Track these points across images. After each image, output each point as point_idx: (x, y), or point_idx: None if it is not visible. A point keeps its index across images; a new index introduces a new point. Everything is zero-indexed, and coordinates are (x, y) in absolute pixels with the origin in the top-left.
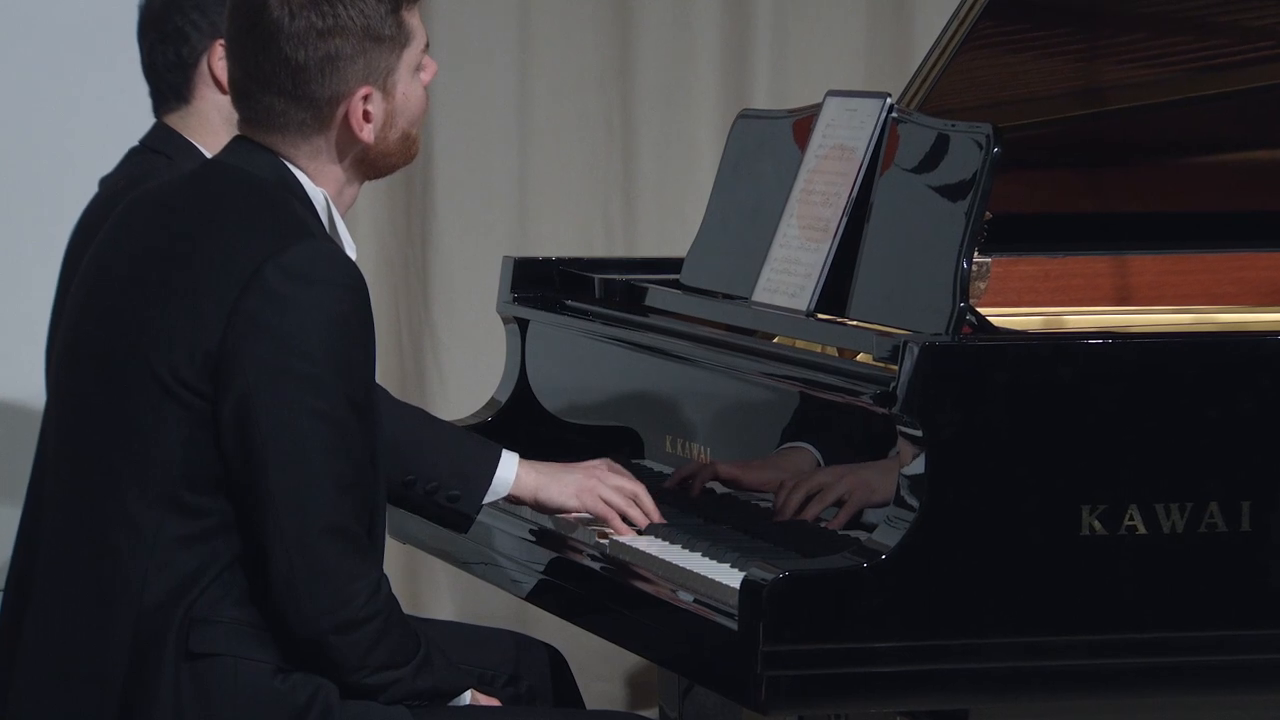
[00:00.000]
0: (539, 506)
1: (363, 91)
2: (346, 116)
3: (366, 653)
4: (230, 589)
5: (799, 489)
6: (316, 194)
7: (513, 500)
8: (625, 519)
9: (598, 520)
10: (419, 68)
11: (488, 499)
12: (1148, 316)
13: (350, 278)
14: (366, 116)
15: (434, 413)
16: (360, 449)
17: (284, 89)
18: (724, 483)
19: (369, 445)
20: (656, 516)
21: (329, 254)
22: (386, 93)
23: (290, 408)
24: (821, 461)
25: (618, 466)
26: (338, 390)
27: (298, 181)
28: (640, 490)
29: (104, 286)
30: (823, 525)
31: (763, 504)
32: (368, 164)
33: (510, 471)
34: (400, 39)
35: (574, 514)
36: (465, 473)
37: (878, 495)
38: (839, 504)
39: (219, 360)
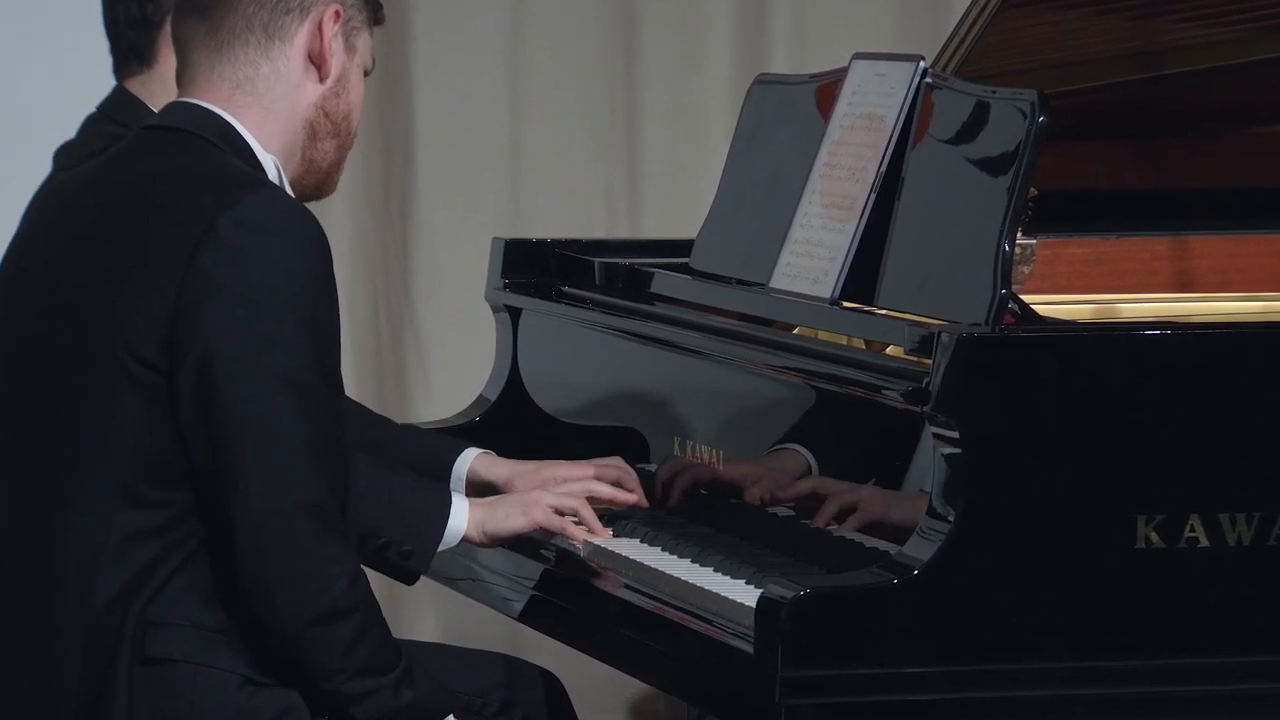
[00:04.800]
0: (492, 542)
1: (334, 8)
2: (317, 31)
3: (347, 651)
4: (194, 585)
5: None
6: (266, 159)
7: (470, 542)
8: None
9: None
10: (364, 73)
11: (441, 548)
12: (1211, 305)
13: (313, 230)
14: (329, 50)
15: (416, 414)
16: (332, 419)
17: None
18: (706, 486)
19: (339, 416)
20: (627, 499)
21: (287, 203)
22: (349, 42)
23: (254, 372)
24: (814, 466)
25: (612, 463)
26: (306, 352)
27: (246, 143)
28: (592, 484)
29: (36, 269)
30: (832, 531)
31: (780, 513)
32: (312, 135)
33: (461, 520)
34: (368, 21)
35: (530, 534)
36: (416, 527)
37: (894, 514)
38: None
39: (173, 325)
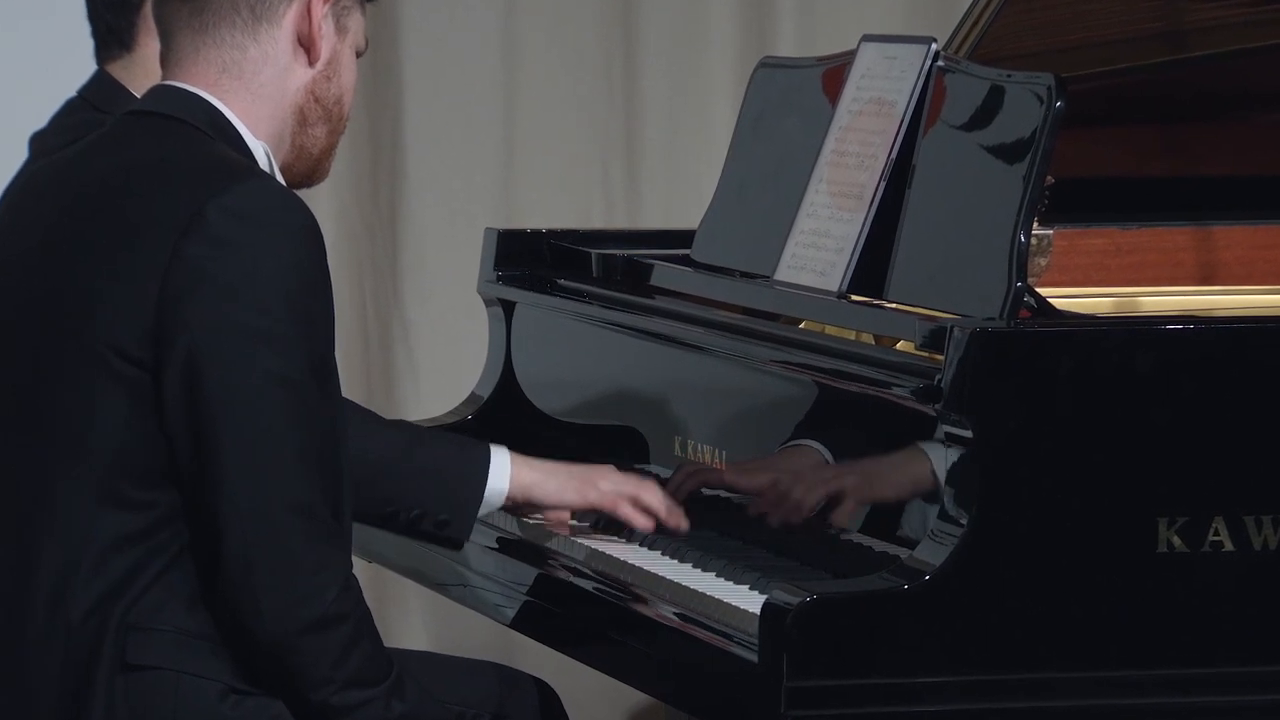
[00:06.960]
0: (531, 505)
1: None
2: (306, 12)
3: (337, 662)
4: (178, 590)
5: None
6: (256, 146)
7: (509, 503)
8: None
9: (607, 521)
10: (356, 54)
11: (483, 512)
12: (1236, 297)
13: (307, 220)
14: (319, 32)
15: (405, 412)
16: (326, 417)
17: None
18: (713, 488)
19: (334, 416)
20: (675, 508)
21: (280, 193)
22: (340, 23)
23: (243, 368)
24: (830, 462)
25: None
26: (298, 349)
27: (235, 130)
28: (650, 484)
29: (10, 261)
30: (831, 529)
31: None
32: (302, 121)
33: (503, 480)
34: (360, 0)
35: (572, 512)
36: (453, 494)
37: (884, 491)
38: (836, 500)
39: (158, 319)
